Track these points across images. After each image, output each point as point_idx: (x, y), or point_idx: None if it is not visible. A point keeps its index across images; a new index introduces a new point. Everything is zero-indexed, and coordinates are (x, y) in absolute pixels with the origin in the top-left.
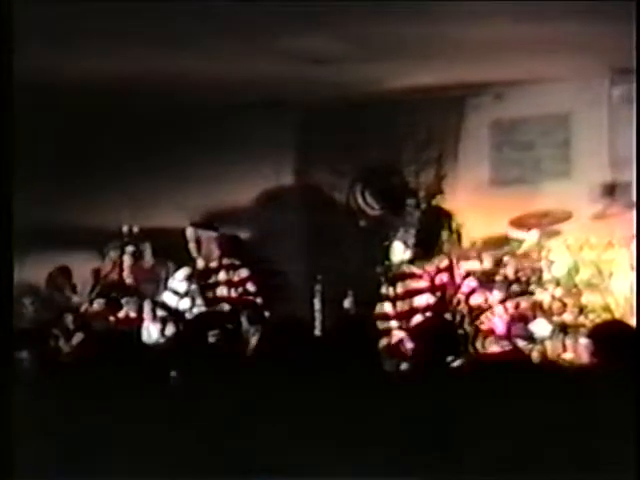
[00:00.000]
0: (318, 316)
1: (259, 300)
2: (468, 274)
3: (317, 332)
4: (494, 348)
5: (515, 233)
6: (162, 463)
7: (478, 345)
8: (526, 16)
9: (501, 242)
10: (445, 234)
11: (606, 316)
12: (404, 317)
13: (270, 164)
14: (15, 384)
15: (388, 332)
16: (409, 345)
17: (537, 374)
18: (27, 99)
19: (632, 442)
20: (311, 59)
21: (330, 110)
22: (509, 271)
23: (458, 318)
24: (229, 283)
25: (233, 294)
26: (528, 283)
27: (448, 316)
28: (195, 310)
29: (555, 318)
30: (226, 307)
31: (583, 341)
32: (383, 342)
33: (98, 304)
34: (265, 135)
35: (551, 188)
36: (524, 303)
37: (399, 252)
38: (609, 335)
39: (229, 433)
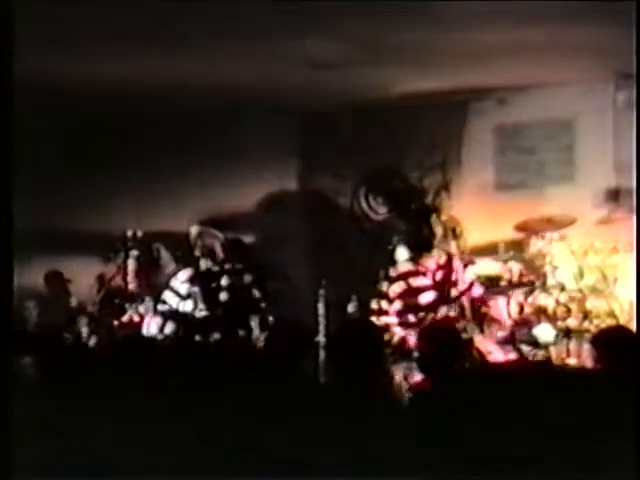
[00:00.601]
0: (322, 321)
1: (263, 305)
2: (467, 264)
3: (321, 337)
4: (500, 334)
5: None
6: (162, 463)
7: (485, 332)
8: (530, 21)
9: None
10: (444, 230)
11: (611, 321)
12: (407, 315)
13: (274, 169)
14: (15, 384)
15: (390, 330)
16: (412, 343)
17: (540, 378)
18: (28, 102)
19: (632, 443)
20: (314, 64)
21: (333, 115)
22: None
23: (461, 309)
24: (232, 287)
25: (237, 299)
26: (532, 287)
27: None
28: (199, 313)
29: (559, 323)
30: (234, 312)
31: (587, 346)
32: (389, 341)
33: (102, 307)
34: (269, 140)
35: (555, 193)
36: (530, 299)
37: (403, 256)
38: (611, 341)
39: (230, 435)
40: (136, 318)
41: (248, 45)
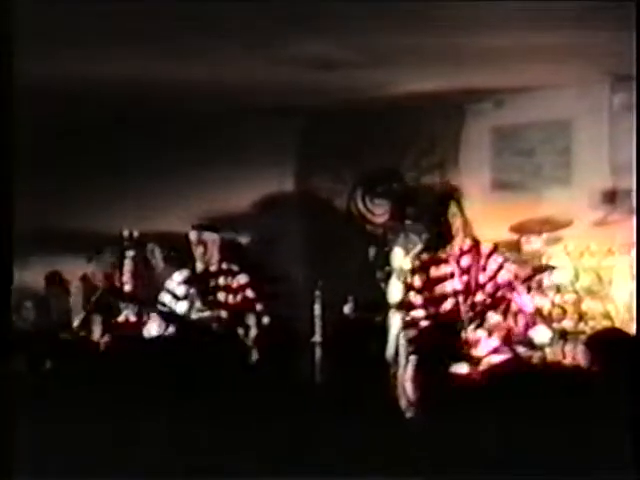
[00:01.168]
0: (318, 322)
1: (260, 305)
2: (492, 252)
3: (317, 337)
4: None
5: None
6: (162, 463)
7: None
8: (527, 23)
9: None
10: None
11: (606, 323)
12: (431, 305)
13: (272, 170)
14: (14, 384)
15: (414, 323)
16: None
17: (537, 379)
18: (28, 102)
19: (628, 445)
20: (313, 65)
21: (332, 116)
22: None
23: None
24: (229, 288)
25: (233, 300)
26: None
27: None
28: (195, 314)
29: (555, 325)
30: (231, 313)
31: (582, 348)
32: (409, 333)
33: (99, 307)
34: (267, 141)
35: (552, 195)
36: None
37: (399, 258)
38: (606, 343)
39: (226, 435)
40: (132, 318)
41: (248, 45)
